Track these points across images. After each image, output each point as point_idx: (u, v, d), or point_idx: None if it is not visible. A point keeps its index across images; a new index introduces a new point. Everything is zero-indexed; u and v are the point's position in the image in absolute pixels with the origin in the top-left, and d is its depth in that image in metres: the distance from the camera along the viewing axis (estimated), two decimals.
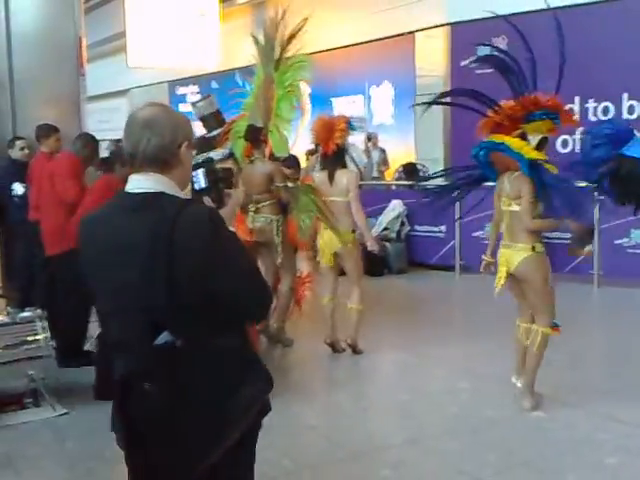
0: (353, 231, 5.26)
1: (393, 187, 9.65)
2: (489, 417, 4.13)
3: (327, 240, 5.28)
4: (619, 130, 3.77)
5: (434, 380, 4.95)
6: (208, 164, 2.12)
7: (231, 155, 4.86)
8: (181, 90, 14.90)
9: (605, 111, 8.28)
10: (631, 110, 8.19)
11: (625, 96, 8.19)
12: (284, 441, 3.81)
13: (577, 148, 7.98)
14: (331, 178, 5.23)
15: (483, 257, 4.41)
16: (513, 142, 4.03)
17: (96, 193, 4.71)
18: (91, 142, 5.32)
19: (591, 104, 8.34)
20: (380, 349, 5.53)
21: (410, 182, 9.21)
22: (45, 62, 6.15)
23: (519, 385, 4.29)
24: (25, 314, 4.39)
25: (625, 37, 7.95)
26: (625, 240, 7.29)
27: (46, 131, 5.64)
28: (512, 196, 4.09)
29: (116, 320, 1.88)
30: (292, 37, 5.62)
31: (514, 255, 4.07)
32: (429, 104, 4.58)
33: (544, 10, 7.80)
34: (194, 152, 2.02)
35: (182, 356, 1.76)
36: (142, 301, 1.78)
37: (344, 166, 5.36)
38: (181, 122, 1.93)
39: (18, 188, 5.86)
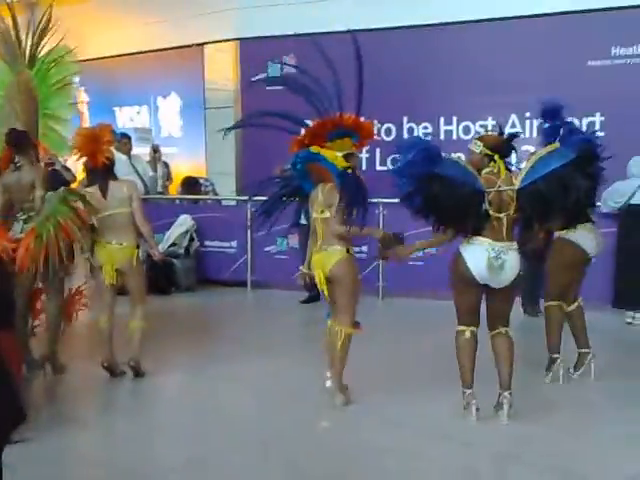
0: (137, 246, 4.98)
1: (181, 202, 9.40)
2: (277, 431, 4.05)
3: (109, 256, 4.93)
4: (429, 149, 3.90)
5: (221, 399, 4.76)
6: None
7: None
8: None
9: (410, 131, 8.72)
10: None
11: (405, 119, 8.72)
12: (51, 474, 3.49)
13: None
14: (104, 191, 4.92)
15: (300, 268, 4.60)
16: (327, 153, 4.33)
17: None
18: None
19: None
20: (165, 370, 5.24)
21: (198, 197, 9.07)
22: None
23: (329, 385, 4.44)
24: None
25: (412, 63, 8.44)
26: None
27: None
28: (325, 204, 4.31)
29: None
30: (43, 32, 5.26)
31: (328, 258, 4.29)
32: (241, 126, 4.70)
33: (334, 33, 8.19)
34: None
35: None
36: None
37: (115, 178, 5.05)
38: None
39: None
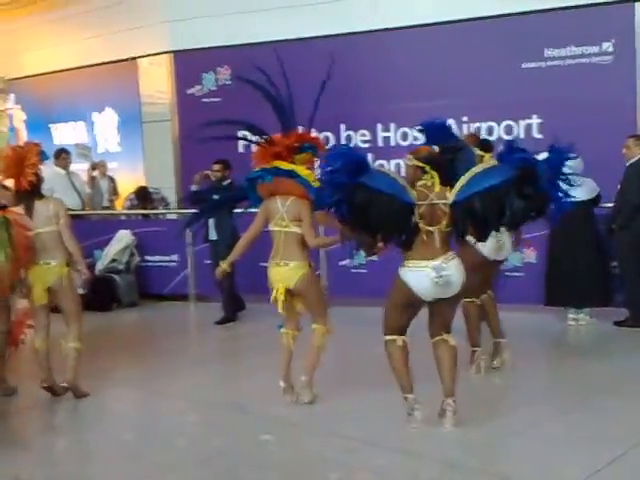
0: (67, 264, 4.89)
1: (123, 217, 9.27)
2: (218, 447, 4.03)
3: (38, 275, 4.85)
4: (355, 159, 3.90)
5: (163, 415, 4.74)
6: None
7: None
8: None
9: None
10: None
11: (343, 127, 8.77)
12: None
13: None
14: (30, 210, 4.85)
15: (221, 263, 4.74)
16: (300, 170, 4.45)
17: None
18: None
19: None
20: (107, 388, 5.19)
21: (142, 211, 8.96)
22: None
23: (283, 385, 4.55)
24: None
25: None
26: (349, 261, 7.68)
27: None
28: (290, 218, 4.43)
29: None
30: None
31: (291, 272, 4.43)
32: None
33: (266, 43, 8.21)
34: None
35: None
36: None
37: (41, 197, 4.97)
38: None
39: None
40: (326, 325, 4.58)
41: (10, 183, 5.30)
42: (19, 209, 4.89)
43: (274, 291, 4.48)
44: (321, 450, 3.93)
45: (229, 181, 6.96)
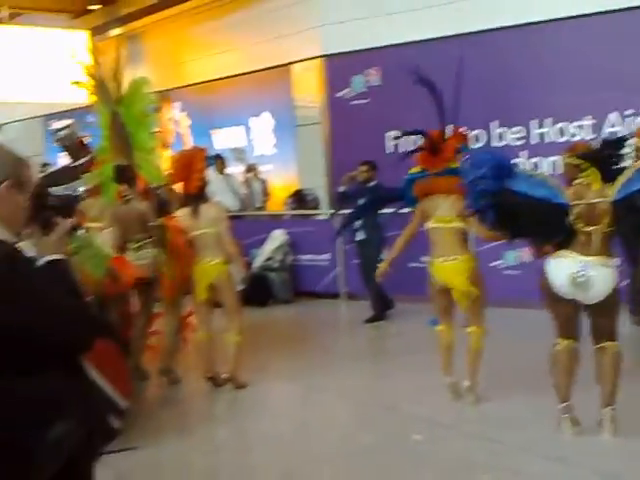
0: (227, 262, 5.19)
1: (278, 217, 9.63)
2: (369, 443, 4.11)
3: (201, 272, 5.17)
4: (500, 164, 3.84)
5: (317, 409, 4.90)
6: (39, 188, 2.11)
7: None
8: (56, 124, 14.38)
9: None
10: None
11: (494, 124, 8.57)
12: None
13: None
14: (196, 212, 5.17)
15: (381, 266, 4.78)
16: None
17: None
18: None
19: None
20: (263, 380, 5.43)
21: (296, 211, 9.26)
22: None
23: (448, 380, 4.60)
24: None
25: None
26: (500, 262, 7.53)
27: None
28: (455, 214, 4.45)
29: None
30: (117, 72, 5.59)
31: (456, 268, 4.43)
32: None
33: (417, 42, 8.21)
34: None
35: None
36: None
37: (206, 200, 5.29)
38: (5, 161, 1.93)
39: None
40: (482, 326, 4.55)
41: (176, 187, 5.69)
42: (185, 211, 5.25)
43: (436, 286, 4.51)
44: (471, 453, 3.91)
45: (375, 182, 7.05)
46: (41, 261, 1.98)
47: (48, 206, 2.12)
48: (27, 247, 2.02)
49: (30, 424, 1.80)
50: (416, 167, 4.70)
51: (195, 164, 5.16)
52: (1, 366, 1.78)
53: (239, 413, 5.03)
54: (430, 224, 4.57)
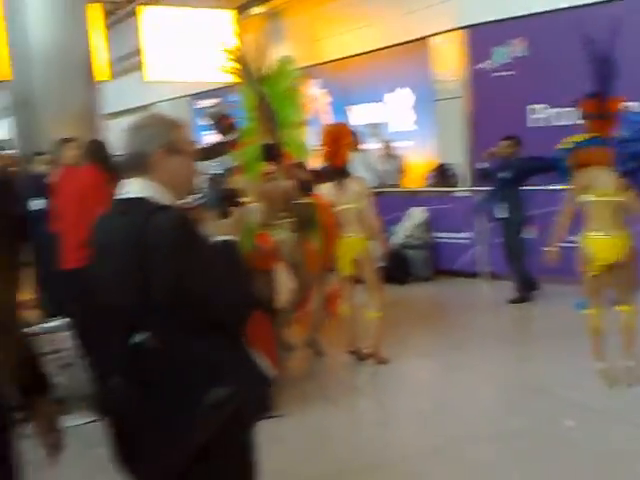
0: (367, 238, 5.22)
1: (416, 193, 9.54)
2: (515, 427, 4.03)
3: (344, 248, 5.24)
4: None
5: (459, 388, 4.85)
6: (215, 181, 2.22)
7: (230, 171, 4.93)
8: (202, 103, 14.98)
9: None
10: None
11: None
12: (302, 449, 3.82)
13: None
14: (341, 187, 5.22)
15: (549, 248, 4.60)
16: None
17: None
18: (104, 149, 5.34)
19: None
20: (404, 357, 5.45)
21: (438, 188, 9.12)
22: (62, 79, 6.22)
23: (602, 366, 4.44)
24: (55, 324, 4.44)
25: None
26: None
27: (62, 143, 5.66)
28: (614, 187, 4.29)
29: (95, 318, 1.98)
30: (260, 52, 5.66)
31: (618, 244, 4.29)
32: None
33: (565, 9, 7.80)
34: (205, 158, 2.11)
35: (152, 356, 1.85)
36: (117, 301, 1.90)
37: (349, 175, 5.33)
38: (158, 128, 2.00)
39: (36, 202, 5.87)
40: (634, 304, 4.37)
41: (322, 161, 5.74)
42: (329, 186, 5.32)
43: (588, 263, 4.36)
44: (627, 441, 3.74)
45: (517, 158, 6.81)
46: (214, 239, 2.05)
47: (224, 197, 2.19)
48: (203, 227, 2.11)
49: (197, 382, 1.89)
50: (579, 136, 4.49)
51: (343, 138, 5.22)
52: (176, 323, 1.87)
53: (380, 387, 5.09)
54: (588, 197, 4.38)
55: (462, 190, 9.09)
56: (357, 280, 5.41)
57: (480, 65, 9.18)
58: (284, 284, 5.38)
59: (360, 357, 5.35)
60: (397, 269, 7.89)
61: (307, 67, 11.46)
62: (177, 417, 1.88)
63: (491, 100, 8.84)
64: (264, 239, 5.30)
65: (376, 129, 10.85)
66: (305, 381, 5.13)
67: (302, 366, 5.39)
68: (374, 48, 10.78)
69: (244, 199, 2.32)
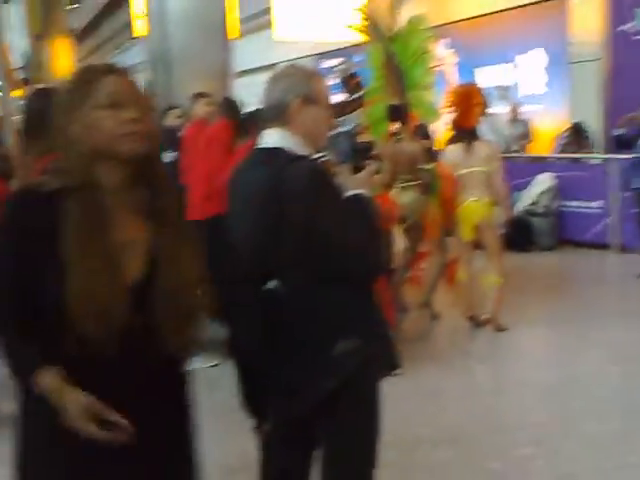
0: (492, 203, 5.11)
1: (545, 159, 9.18)
2: None
3: (467, 213, 5.16)
4: None
5: (581, 361, 4.71)
6: (349, 134, 2.23)
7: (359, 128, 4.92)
8: (327, 63, 15.01)
9: None
10: None
11: None
12: (416, 411, 3.84)
13: None
14: (468, 149, 5.12)
15: None
16: None
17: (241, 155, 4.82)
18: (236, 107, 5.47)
19: None
20: (522, 325, 5.34)
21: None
22: (196, 37, 6.39)
23: None
24: None
25: None
26: None
27: (195, 98, 5.81)
28: None
29: (228, 266, 1.98)
30: (390, 10, 5.54)
31: None
32: None
33: None
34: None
35: (284, 302, 1.91)
36: (252, 249, 1.95)
37: (478, 138, 5.21)
38: (296, 79, 2.01)
39: (169, 155, 6.08)
40: None
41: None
42: (456, 147, 5.22)
43: None
44: None
45: None
46: (347, 193, 2.04)
47: (357, 150, 2.20)
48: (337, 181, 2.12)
49: (326, 333, 1.93)
50: None
51: (473, 98, 5.11)
52: (309, 273, 1.91)
53: (497, 355, 5.02)
54: None
55: (595, 157, 8.67)
56: (477, 246, 5.34)
57: (622, 27, 8.66)
58: (399, 244, 5.40)
59: (478, 323, 5.30)
60: (519, 236, 7.68)
61: (435, 27, 11.25)
62: (304, 365, 1.92)
63: (632, 64, 8.34)
64: (384, 199, 5.31)
65: (505, 92, 10.49)
66: (419, 343, 5.15)
67: (416, 327, 5.41)
68: (508, 7, 10.37)
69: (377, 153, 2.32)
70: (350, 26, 5.99)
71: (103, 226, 1.49)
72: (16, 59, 14.24)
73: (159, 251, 1.54)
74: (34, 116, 3.01)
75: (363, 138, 6.08)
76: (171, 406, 1.62)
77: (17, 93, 12.94)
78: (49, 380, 1.45)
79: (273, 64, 16.56)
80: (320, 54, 15.26)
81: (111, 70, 1.55)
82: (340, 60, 13.94)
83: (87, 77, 1.54)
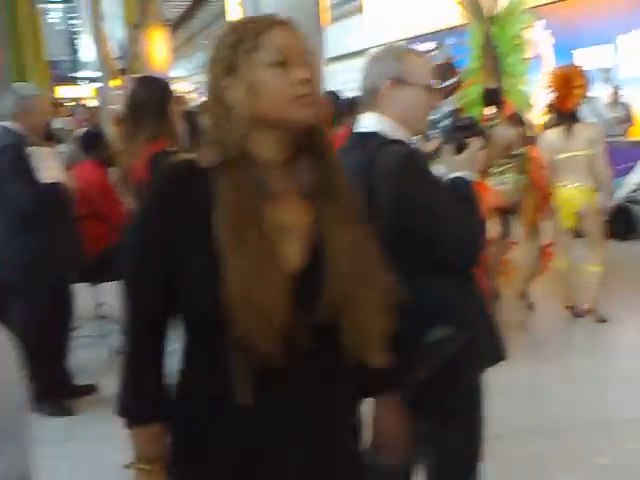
0: (595, 189, 4.92)
1: None
2: None
3: (567, 199, 4.99)
4: None
5: None
6: (453, 113, 2.16)
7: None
8: (418, 47, 14.85)
9: None
10: None
11: None
12: (517, 400, 3.79)
13: None
14: (569, 133, 4.94)
15: None
16: None
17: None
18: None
19: None
20: (625, 316, 5.12)
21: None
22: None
23: None
24: None
25: None
26: None
27: None
28: None
29: None
30: None
31: None
32: None
33: None
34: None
35: None
36: None
37: (579, 121, 5.03)
38: (389, 60, 1.95)
39: None
40: None
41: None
42: (556, 131, 5.05)
43: None
44: None
45: None
46: (449, 176, 2.00)
47: (460, 127, 2.10)
48: (438, 165, 2.08)
49: (417, 319, 1.84)
50: None
51: (576, 79, 4.93)
52: (399, 258, 1.87)
53: (598, 346, 4.85)
54: None
55: None
56: (576, 234, 5.15)
57: None
58: (493, 231, 5.29)
59: (577, 313, 5.13)
60: (620, 224, 7.37)
61: (533, 7, 10.89)
62: (398, 356, 1.89)
63: None
64: (480, 187, 5.20)
65: (607, 74, 10.07)
66: (516, 333, 5.02)
67: (513, 317, 5.28)
68: None
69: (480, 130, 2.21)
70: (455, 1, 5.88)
71: (261, 208, 1.26)
72: (114, 49, 14.72)
73: (325, 236, 1.30)
74: (141, 103, 3.12)
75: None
76: (345, 428, 1.42)
77: (115, 83, 13.39)
78: (144, 443, 1.31)
79: (362, 50, 16.54)
80: (410, 38, 15.10)
81: (277, 22, 1.29)
82: (430, 45, 13.75)
83: (250, 30, 1.27)
